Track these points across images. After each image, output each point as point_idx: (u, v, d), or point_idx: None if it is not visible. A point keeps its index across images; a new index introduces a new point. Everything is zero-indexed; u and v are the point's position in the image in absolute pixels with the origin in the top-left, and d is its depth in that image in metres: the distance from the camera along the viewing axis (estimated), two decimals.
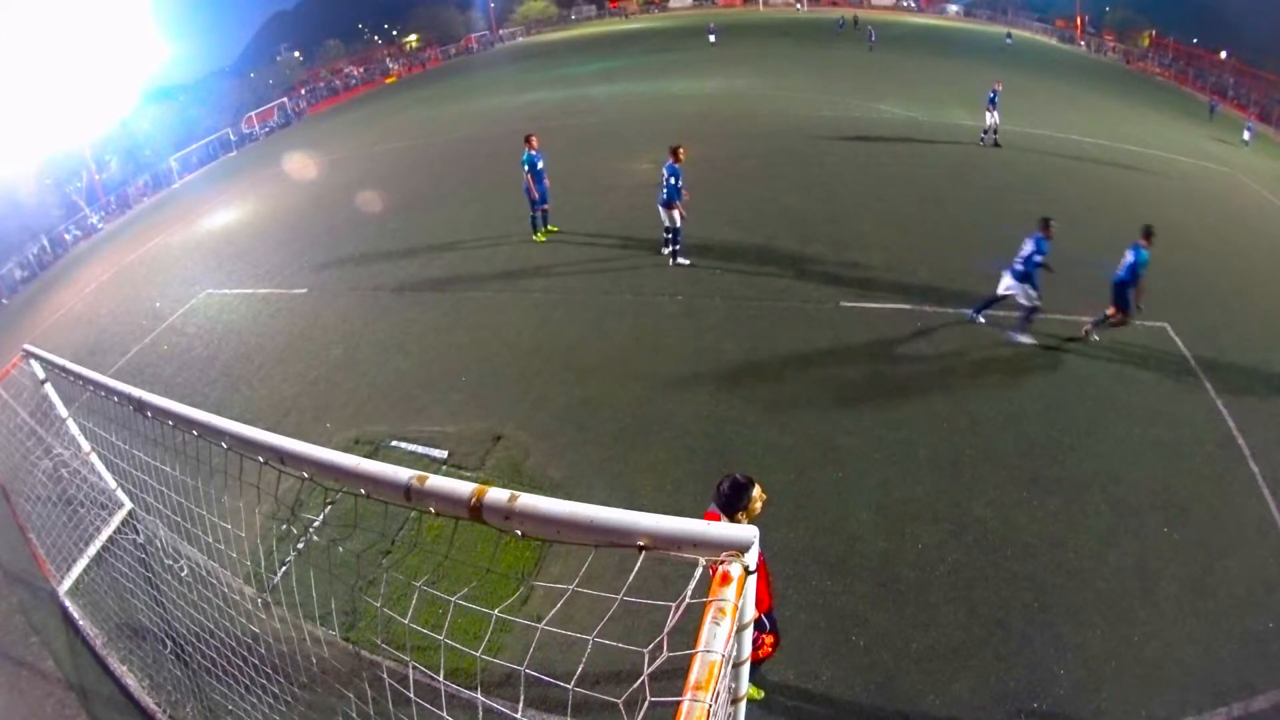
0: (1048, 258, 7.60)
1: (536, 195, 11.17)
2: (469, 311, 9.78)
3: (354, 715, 3.59)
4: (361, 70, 50.68)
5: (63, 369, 4.66)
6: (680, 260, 10.20)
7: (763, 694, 4.38)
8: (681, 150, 9.57)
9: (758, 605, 3.80)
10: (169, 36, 41.09)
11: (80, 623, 5.44)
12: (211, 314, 11.32)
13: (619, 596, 1.63)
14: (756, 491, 3.38)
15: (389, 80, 46.65)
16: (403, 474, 1.76)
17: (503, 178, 15.26)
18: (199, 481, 3.84)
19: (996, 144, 16.25)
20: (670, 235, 10.09)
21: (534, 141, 10.86)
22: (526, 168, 10.88)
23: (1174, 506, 5.78)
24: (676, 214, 9.74)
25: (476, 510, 1.61)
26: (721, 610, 1.33)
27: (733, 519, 3.38)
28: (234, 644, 4.28)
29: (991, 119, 16.17)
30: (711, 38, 36.83)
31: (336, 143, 24.98)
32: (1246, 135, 23.47)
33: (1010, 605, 4.93)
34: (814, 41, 35.02)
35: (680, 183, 9.55)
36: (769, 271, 9.87)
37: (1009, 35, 41.29)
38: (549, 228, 11.81)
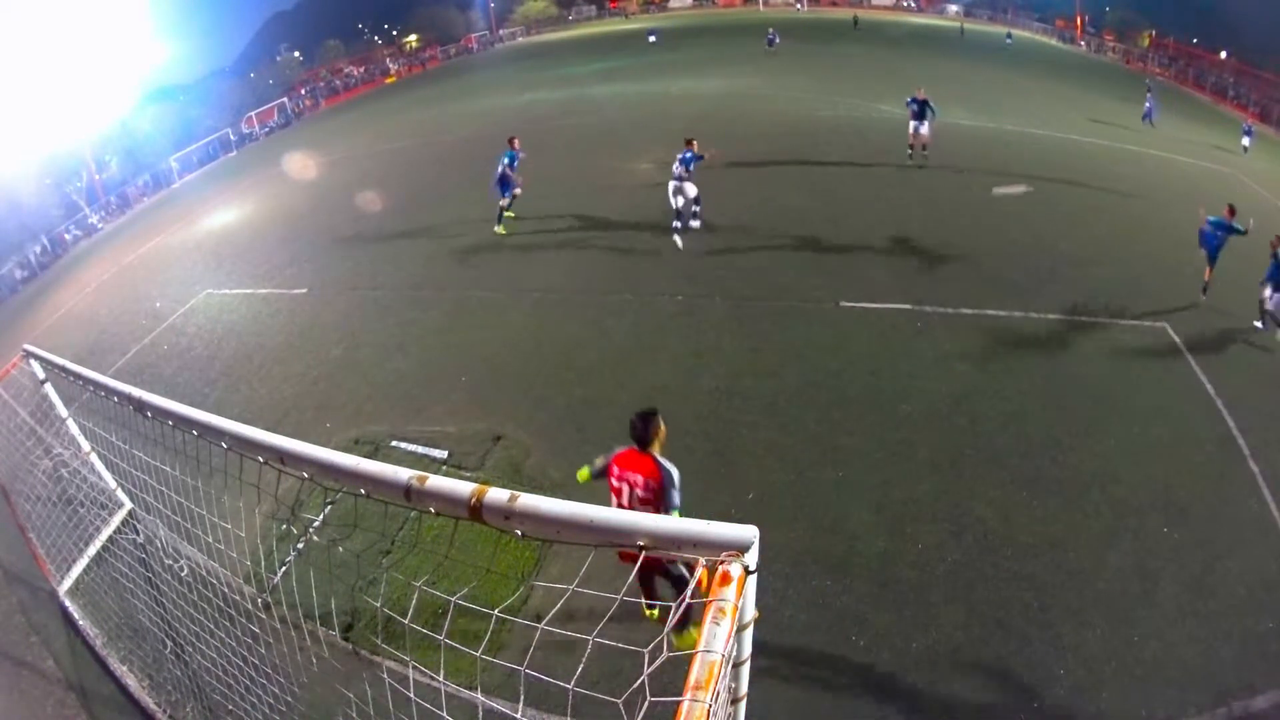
0: None
1: (508, 186, 11.82)
2: (469, 311, 9.78)
3: (354, 715, 3.58)
4: (361, 70, 50.53)
5: (63, 369, 4.67)
6: (693, 224, 11.10)
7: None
8: (694, 142, 10.73)
9: None
10: (169, 36, 40.98)
11: (80, 623, 5.45)
12: (211, 314, 11.31)
13: (619, 596, 1.63)
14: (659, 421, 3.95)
15: (389, 80, 46.52)
16: (403, 474, 1.76)
17: None
18: (199, 481, 3.84)
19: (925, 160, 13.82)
20: (694, 209, 11.01)
21: (515, 143, 11.87)
22: (507, 161, 11.62)
23: (1174, 506, 5.78)
24: (690, 187, 10.72)
25: (476, 510, 1.61)
26: (721, 610, 1.33)
27: (646, 450, 3.98)
28: (234, 644, 4.28)
29: (924, 131, 13.60)
30: (651, 38, 38.58)
31: (336, 143, 24.94)
32: (1246, 141, 20.15)
33: (1010, 605, 4.94)
34: (815, 41, 34.96)
35: (693, 162, 10.61)
36: (769, 271, 9.87)
37: (1009, 35, 41.23)
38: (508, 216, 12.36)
